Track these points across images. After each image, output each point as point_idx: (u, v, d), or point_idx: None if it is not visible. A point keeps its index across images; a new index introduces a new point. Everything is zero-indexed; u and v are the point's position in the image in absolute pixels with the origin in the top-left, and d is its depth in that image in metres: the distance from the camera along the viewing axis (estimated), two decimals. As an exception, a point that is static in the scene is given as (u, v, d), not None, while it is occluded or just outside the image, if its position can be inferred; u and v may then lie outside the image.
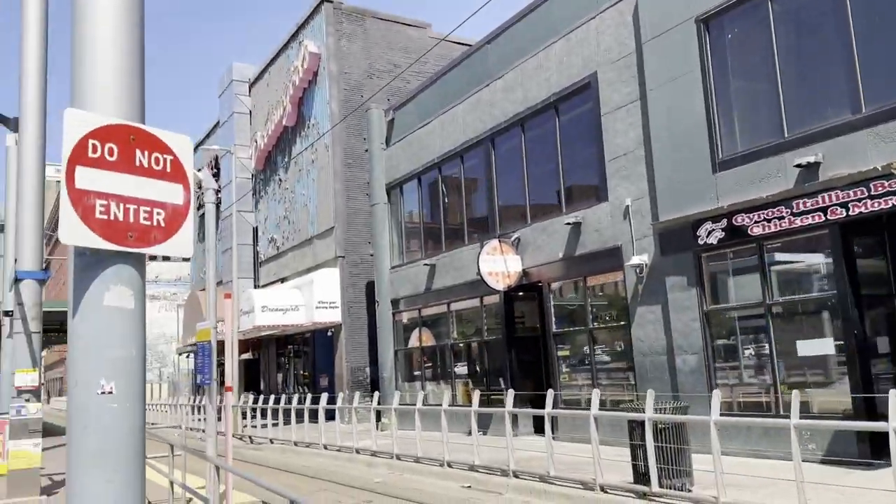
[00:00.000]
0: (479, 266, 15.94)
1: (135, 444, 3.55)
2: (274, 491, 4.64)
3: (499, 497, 10.38)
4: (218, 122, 34.97)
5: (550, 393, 10.97)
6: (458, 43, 25.72)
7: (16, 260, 9.78)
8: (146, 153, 3.73)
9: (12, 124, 10.52)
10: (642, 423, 9.03)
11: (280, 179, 29.76)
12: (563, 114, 15.55)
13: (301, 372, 29.95)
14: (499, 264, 16.04)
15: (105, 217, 3.52)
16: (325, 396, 18.35)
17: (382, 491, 11.28)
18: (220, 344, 9.30)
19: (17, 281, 9.78)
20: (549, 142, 15.82)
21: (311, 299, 24.59)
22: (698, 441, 9.65)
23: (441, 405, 13.75)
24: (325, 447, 16.91)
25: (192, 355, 37.22)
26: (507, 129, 17.02)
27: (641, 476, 9.19)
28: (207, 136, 37.06)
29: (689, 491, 8.84)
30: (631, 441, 9.40)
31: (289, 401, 20.94)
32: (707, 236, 12.04)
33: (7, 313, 15.56)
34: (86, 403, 3.43)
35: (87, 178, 3.48)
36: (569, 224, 14.83)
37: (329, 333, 25.54)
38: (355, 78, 25.78)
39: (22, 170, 9.94)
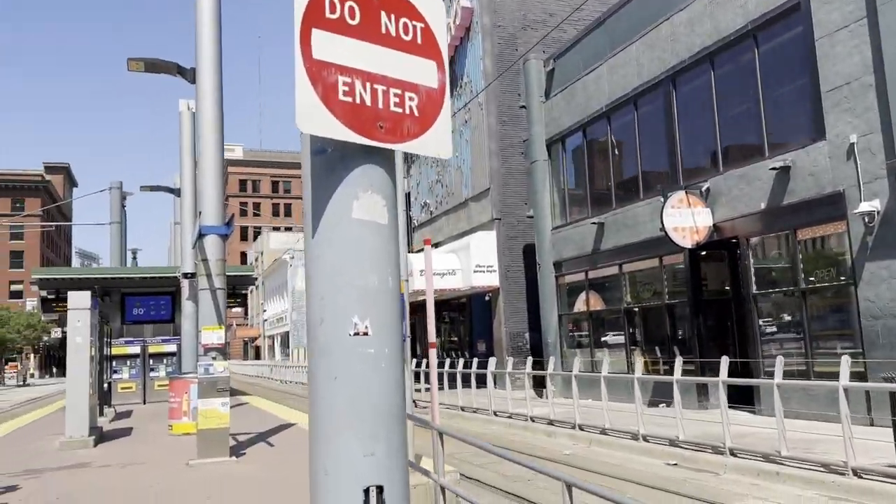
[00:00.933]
0: (662, 221, 14.39)
1: (397, 402, 2.64)
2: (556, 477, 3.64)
3: (718, 478, 9.04)
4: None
5: (780, 360, 9.42)
6: (619, -15, 23.75)
7: (200, 213, 9.57)
8: (392, 17, 2.76)
9: (189, 75, 10.32)
10: (915, 397, 7.36)
11: (431, 143, 29.17)
12: (764, 43, 13.55)
13: (451, 337, 29.57)
14: (686, 218, 14.40)
15: (350, 100, 2.59)
16: (492, 361, 17.59)
17: (576, 464, 10.24)
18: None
19: (200, 237, 9.56)
20: (747, 77, 13.88)
21: (467, 263, 23.91)
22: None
23: (633, 373, 12.47)
24: (496, 413, 16.15)
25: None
26: (693, 66, 15.18)
27: (909, 460, 7.55)
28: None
29: (980, 481, 7.11)
30: (894, 417, 7.75)
31: (452, 365, 20.41)
32: (969, 173, 9.89)
33: (187, 275, 15.92)
34: (334, 347, 2.54)
35: (326, 45, 2.56)
36: (774, 169, 12.93)
37: (487, 298, 24.81)
38: (509, 31, 24.52)
39: (200, 121, 9.66)
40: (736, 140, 14.45)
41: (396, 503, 2.53)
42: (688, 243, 14.42)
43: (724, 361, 10.14)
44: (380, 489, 2.47)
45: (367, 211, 2.62)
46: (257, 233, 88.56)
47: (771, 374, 13.29)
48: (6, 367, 62.04)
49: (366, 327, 2.56)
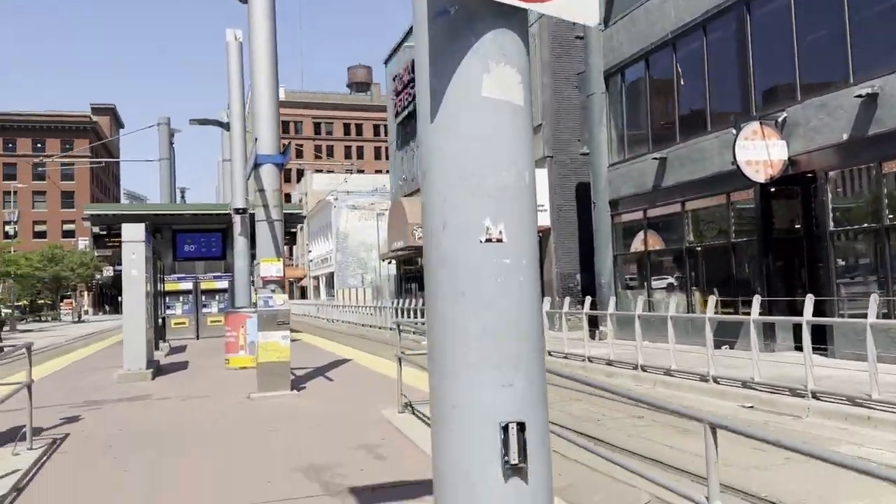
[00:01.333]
0: (734, 154, 13.56)
1: (536, 325, 2.19)
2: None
3: (801, 421, 8.55)
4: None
5: (874, 298, 8.75)
6: None
7: (256, 139, 9.18)
8: None
9: (242, -6, 9.79)
10: None
11: (480, 78, 28.30)
12: (855, -43, 12.38)
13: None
14: (759, 151, 13.54)
15: (478, -54, 2.07)
16: (546, 301, 17.16)
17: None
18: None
19: (256, 167, 9.19)
20: (833, -4, 12.76)
21: (518, 202, 23.28)
22: None
23: (695, 313, 11.92)
24: (550, 353, 15.79)
25: (393, 261, 37.90)
26: (771, -14, 14.06)
27: None
28: (408, 34, 36.31)
29: None
30: None
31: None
32: None
33: (238, 211, 15.71)
34: (460, 257, 2.08)
35: None
36: (860, 97, 11.95)
37: (537, 238, 24.24)
38: (564, -44, 23.21)
39: (253, 43, 9.18)
40: (816, 66, 13.41)
41: (538, 444, 2.10)
42: (761, 178, 13.59)
43: (809, 300, 9.51)
44: (521, 426, 2.04)
45: (499, 87, 2.11)
46: (301, 174, 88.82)
47: (843, 316, 12.67)
48: (62, 303, 64.12)
49: (500, 232, 2.09)
